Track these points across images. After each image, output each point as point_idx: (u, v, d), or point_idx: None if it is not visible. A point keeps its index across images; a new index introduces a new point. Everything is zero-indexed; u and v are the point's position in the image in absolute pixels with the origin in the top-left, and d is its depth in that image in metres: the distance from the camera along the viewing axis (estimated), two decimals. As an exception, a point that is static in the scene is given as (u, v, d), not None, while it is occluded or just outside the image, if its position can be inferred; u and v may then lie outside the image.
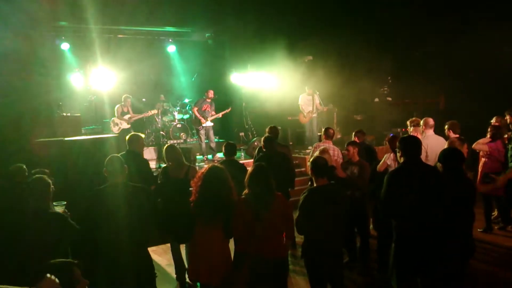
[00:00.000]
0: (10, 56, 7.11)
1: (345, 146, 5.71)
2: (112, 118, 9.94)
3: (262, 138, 6.15)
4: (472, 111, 8.11)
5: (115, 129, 9.65)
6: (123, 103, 9.92)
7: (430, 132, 6.18)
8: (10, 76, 7.11)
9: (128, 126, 9.90)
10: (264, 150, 5.95)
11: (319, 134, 8.00)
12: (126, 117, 9.92)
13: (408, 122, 6.66)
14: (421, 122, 6.34)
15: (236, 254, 3.61)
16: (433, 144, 5.86)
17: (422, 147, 5.49)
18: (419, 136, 6.07)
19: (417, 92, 10.85)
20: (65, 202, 4.36)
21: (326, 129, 6.81)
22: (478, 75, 9.30)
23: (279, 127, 7.54)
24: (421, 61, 10.55)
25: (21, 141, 6.60)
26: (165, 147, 5.34)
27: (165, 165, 5.25)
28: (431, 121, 6.26)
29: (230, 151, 5.60)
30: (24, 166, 4.88)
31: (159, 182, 5.17)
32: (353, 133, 6.70)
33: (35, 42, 7.84)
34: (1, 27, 7.05)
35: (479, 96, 9.00)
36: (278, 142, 6.52)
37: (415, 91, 10.83)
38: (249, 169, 3.68)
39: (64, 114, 8.93)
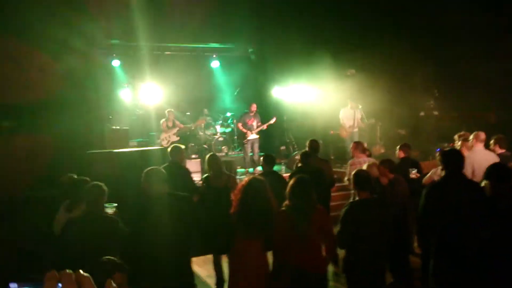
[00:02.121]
0: (67, 75, 7.58)
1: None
2: (161, 134, 10.24)
3: (300, 153, 6.19)
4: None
5: (164, 143, 9.93)
6: (167, 118, 10.22)
7: (480, 146, 5.92)
8: (67, 92, 7.56)
9: (177, 138, 10.16)
10: (300, 164, 5.96)
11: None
12: (174, 130, 10.19)
13: (455, 137, 6.43)
14: (471, 136, 6.11)
15: (275, 267, 3.61)
16: (481, 159, 5.61)
17: (469, 163, 5.31)
18: (467, 151, 5.86)
19: (466, 105, 10.46)
20: (116, 204, 4.53)
21: (356, 143, 6.75)
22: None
23: (320, 141, 7.50)
24: (470, 73, 10.19)
25: (76, 152, 6.98)
26: (207, 156, 5.52)
27: (207, 174, 5.40)
28: (482, 135, 6.00)
29: (269, 162, 5.66)
30: (75, 176, 5.14)
31: (200, 190, 5.33)
32: (398, 147, 6.56)
33: (90, 60, 8.33)
34: (61, 47, 7.52)
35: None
36: (319, 156, 6.49)
37: (463, 104, 10.44)
38: (291, 181, 3.69)
39: (114, 127, 9.36)
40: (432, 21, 9.57)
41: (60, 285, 0.77)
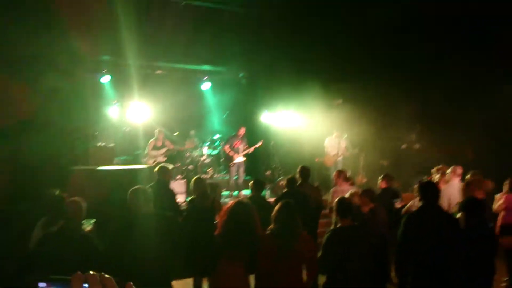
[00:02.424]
0: (53, 94, 7.52)
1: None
2: (147, 151, 10.22)
3: (285, 178, 6.30)
4: (501, 164, 8.00)
5: (151, 162, 9.92)
6: (156, 137, 10.22)
7: (456, 180, 6.17)
8: (51, 112, 7.51)
9: (165, 159, 10.18)
10: (286, 190, 6.08)
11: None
12: (162, 150, 10.20)
13: (433, 170, 6.67)
14: (449, 170, 6.35)
15: (257, 290, 3.67)
16: (456, 192, 5.83)
17: (446, 195, 5.52)
18: (444, 184, 6.08)
19: (446, 141, 10.79)
20: (94, 220, 4.53)
21: (339, 172, 6.92)
22: (509, 130, 9.22)
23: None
24: (451, 111, 10.55)
25: (59, 168, 6.94)
26: (193, 179, 5.60)
27: (192, 197, 5.47)
28: (459, 169, 6.27)
29: (258, 187, 5.76)
30: (58, 191, 5.14)
31: (185, 211, 5.38)
32: (381, 177, 6.73)
33: (76, 78, 8.26)
34: (46, 66, 7.51)
35: (509, 149, 8.89)
36: (309, 183, 6.60)
37: (443, 139, 10.77)
38: (277, 205, 3.79)
39: (99, 144, 9.36)
40: (418, 61, 9.96)
41: (86, 285, 0.85)
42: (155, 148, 10.13)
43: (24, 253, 4.10)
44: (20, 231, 4.60)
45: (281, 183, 9.90)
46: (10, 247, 4.60)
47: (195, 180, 5.57)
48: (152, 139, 10.25)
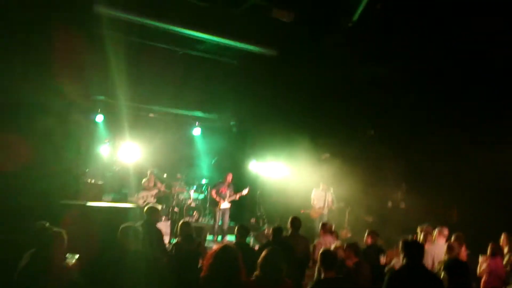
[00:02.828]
0: (46, 135, 7.60)
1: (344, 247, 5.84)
2: (141, 192, 10.24)
3: (271, 228, 6.36)
4: (486, 227, 8.16)
5: (141, 202, 9.93)
6: (148, 178, 10.28)
7: (442, 241, 6.30)
8: (44, 152, 7.58)
9: (154, 200, 10.19)
10: (271, 238, 6.12)
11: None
12: (153, 191, 10.22)
13: (418, 229, 6.80)
14: (435, 231, 6.50)
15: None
16: (441, 253, 5.95)
17: (430, 254, 5.63)
18: (429, 245, 6.21)
19: (431, 201, 10.99)
20: (78, 255, 4.49)
21: (323, 224, 7.02)
22: (494, 192, 9.45)
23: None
24: (436, 171, 10.83)
25: (49, 206, 6.90)
26: (180, 222, 5.67)
27: (177, 239, 5.50)
28: (445, 230, 6.44)
29: (243, 232, 5.81)
30: (48, 224, 5.14)
31: (171, 253, 5.39)
32: (367, 233, 6.82)
33: (68, 119, 8.35)
34: (38, 108, 7.62)
35: (494, 212, 9.08)
36: (299, 233, 6.64)
37: (428, 200, 10.98)
38: (263, 252, 3.85)
39: (88, 181, 9.39)
40: (404, 119, 10.33)
41: None
42: (146, 188, 10.16)
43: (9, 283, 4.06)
44: (6, 260, 4.54)
45: (266, 231, 9.91)
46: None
47: (182, 223, 5.65)
48: (145, 179, 10.29)
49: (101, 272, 3.94)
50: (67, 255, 4.56)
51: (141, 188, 10.22)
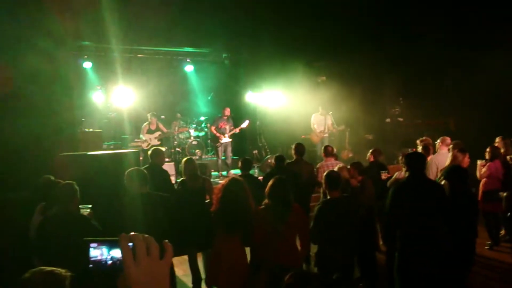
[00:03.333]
0: (35, 77, 7.41)
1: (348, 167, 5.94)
2: (141, 135, 10.21)
3: (273, 156, 6.44)
4: (482, 133, 8.28)
5: (144, 145, 9.93)
6: (149, 121, 10.19)
7: (445, 150, 6.40)
8: (34, 95, 7.42)
9: (159, 142, 10.18)
10: (273, 167, 6.23)
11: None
12: (156, 134, 10.19)
13: (418, 141, 6.88)
14: (438, 140, 6.59)
15: (253, 261, 3.83)
16: (444, 161, 6.04)
17: (434, 163, 5.74)
18: (432, 154, 6.32)
19: (428, 113, 11.06)
20: (91, 206, 4.58)
21: (325, 147, 7.10)
22: (489, 99, 9.49)
23: (292, 146, 7.80)
24: (432, 83, 10.78)
25: (43, 157, 6.88)
26: (183, 160, 5.66)
27: (183, 178, 5.55)
28: (448, 139, 6.53)
29: (246, 165, 5.89)
30: (53, 178, 5.18)
31: (177, 193, 5.46)
32: (370, 151, 6.92)
33: (59, 62, 8.10)
34: (26, 48, 7.38)
35: (489, 119, 9.17)
36: (303, 159, 6.74)
37: (426, 112, 11.04)
38: (270, 181, 3.92)
39: (86, 130, 9.35)
40: (400, 34, 10.08)
41: (131, 244, 0.97)
42: (149, 132, 10.11)
43: (26, 240, 4.16)
44: (18, 218, 4.63)
45: (269, 161, 10.04)
46: (11, 235, 4.65)
47: (186, 161, 5.60)
48: (146, 123, 10.21)
49: (114, 217, 4.04)
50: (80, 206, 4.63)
51: (143, 131, 10.16)
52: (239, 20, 10.97)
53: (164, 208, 4.05)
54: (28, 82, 7.35)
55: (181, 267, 6.27)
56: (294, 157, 6.59)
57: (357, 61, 10.44)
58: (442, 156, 6.24)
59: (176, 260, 6.59)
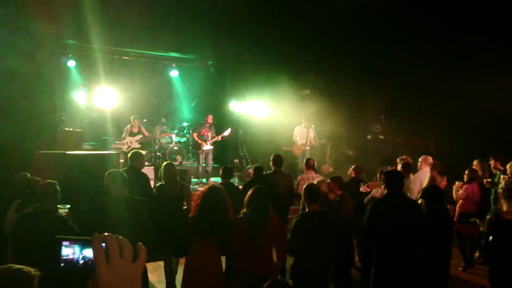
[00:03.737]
0: (15, 76, 7.26)
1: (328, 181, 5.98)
2: (123, 136, 10.07)
3: (253, 167, 6.48)
4: (461, 155, 8.45)
5: (125, 148, 9.80)
6: (132, 124, 10.05)
7: (427, 169, 6.50)
8: (14, 95, 7.27)
9: (139, 146, 10.06)
10: (253, 177, 6.26)
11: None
12: (138, 137, 10.06)
13: (398, 160, 6.98)
14: (420, 159, 6.70)
15: (228, 270, 3.81)
16: (424, 179, 6.13)
17: (419, 181, 5.83)
18: (415, 173, 6.42)
19: (409, 133, 11.27)
20: (69, 206, 4.50)
21: (307, 160, 7.18)
22: (469, 121, 9.71)
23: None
24: (414, 103, 11.00)
25: (24, 156, 6.75)
26: (163, 164, 5.60)
27: (161, 182, 5.49)
28: (430, 159, 6.65)
29: (227, 173, 5.88)
30: (29, 174, 5.07)
31: (155, 198, 5.40)
32: (352, 167, 7.00)
33: (40, 61, 7.97)
34: (5, 47, 7.25)
35: (468, 141, 9.37)
36: (281, 171, 6.77)
37: (406, 131, 11.24)
38: (250, 190, 3.92)
39: (67, 129, 9.20)
40: (384, 53, 10.27)
41: (104, 244, 0.95)
42: (131, 134, 9.97)
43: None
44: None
45: (249, 170, 10.03)
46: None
47: (165, 166, 5.53)
48: (128, 125, 10.07)
49: (91, 218, 3.97)
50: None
51: (124, 133, 10.02)
52: (226, 29, 11.02)
53: (141, 211, 3.99)
54: (9, 81, 7.21)
55: (155, 273, 6.18)
56: (272, 168, 6.62)
57: (341, 77, 10.60)
58: (425, 174, 6.34)
59: (150, 266, 6.51)
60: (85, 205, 4.52)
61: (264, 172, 6.56)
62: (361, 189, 6.21)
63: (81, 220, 4.29)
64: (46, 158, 6.82)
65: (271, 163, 6.64)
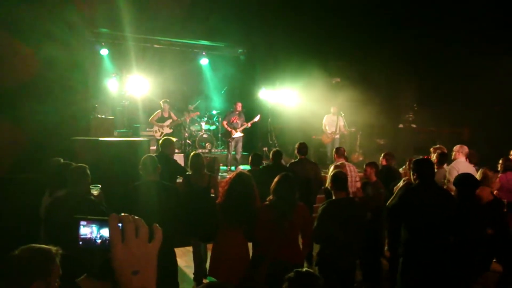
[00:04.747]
0: (51, 65, 7.49)
1: (364, 166, 5.90)
2: (150, 120, 10.19)
3: (271, 151, 6.47)
4: (496, 144, 8.17)
5: (157, 135, 9.94)
6: (162, 108, 10.16)
7: (462, 158, 6.32)
8: (51, 83, 7.52)
9: (170, 130, 10.17)
10: (271, 162, 6.27)
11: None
12: (167, 122, 10.16)
13: (431, 149, 6.80)
14: (455, 148, 6.50)
15: (254, 256, 3.83)
16: (463, 169, 5.93)
17: (456, 171, 5.66)
18: (451, 163, 6.24)
19: (442, 121, 10.94)
20: (100, 185, 4.59)
21: (337, 149, 7.09)
22: (505, 110, 9.37)
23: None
24: (448, 91, 10.67)
25: (60, 139, 6.98)
26: (191, 154, 5.63)
27: (188, 173, 5.51)
28: (466, 148, 6.45)
29: (256, 161, 5.90)
30: (62, 160, 5.23)
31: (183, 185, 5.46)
32: (382, 155, 6.86)
33: (75, 50, 8.21)
34: (42, 36, 7.46)
35: (504, 129, 9.05)
36: (307, 158, 6.73)
37: (440, 120, 10.92)
38: (276, 177, 3.92)
39: (99, 116, 9.43)
40: (417, 40, 9.98)
41: (120, 224, 0.97)
42: (160, 119, 10.08)
43: (34, 220, 4.22)
44: (29, 198, 4.70)
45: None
46: (21, 214, 4.72)
47: (193, 156, 5.54)
48: (158, 110, 10.18)
49: (122, 202, 4.08)
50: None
51: (152, 119, 10.13)
52: (256, 16, 10.97)
53: (171, 197, 4.07)
54: (46, 69, 7.45)
55: (184, 258, 6.32)
56: (298, 156, 6.58)
57: (374, 65, 10.36)
58: (462, 164, 6.16)
59: (179, 251, 6.64)
60: (117, 189, 4.65)
61: (282, 157, 6.54)
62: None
63: (113, 204, 4.42)
64: (81, 144, 7.01)
65: (295, 152, 6.61)
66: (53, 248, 2.06)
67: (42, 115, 7.27)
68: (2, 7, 7.08)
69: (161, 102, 10.22)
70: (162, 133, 9.97)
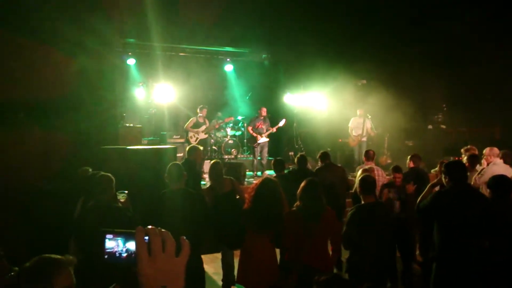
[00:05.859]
0: (81, 74, 7.70)
1: (391, 171, 5.78)
2: (185, 127, 10.31)
3: (296, 157, 6.48)
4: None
5: (193, 140, 10.04)
6: (199, 114, 10.25)
7: (498, 160, 6.09)
8: (81, 92, 7.73)
9: (205, 136, 10.24)
10: (296, 166, 6.32)
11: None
12: (202, 127, 10.25)
13: (462, 150, 6.60)
14: (485, 152, 6.27)
15: (283, 263, 3.80)
16: (502, 171, 5.73)
17: (491, 173, 5.46)
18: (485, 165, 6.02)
19: (473, 121, 10.64)
20: (127, 191, 4.62)
21: (366, 152, 7.03)
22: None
23: (329, 149, 7.75)
24: (478, 90, 10.37)
25: (90, 148, 7.15)
26: (210, 164, 5.49)
27: (210, 184, 5.46)
28: (496, 150, 6.20)
29: (279, 166, 5.90)
30: (90, 169, 5.34)
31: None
32: (409, 157, 6.72)
33: (104, 60, 8.43)
34: (74, 46, 7.68)
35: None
36: (332, 163, 6.76)
37: (470, 119, 10.62)
38: (302, 183, 3.88)
39: (127, 124, 9.61)
40: (444, 40, 9.77)
41: (146, 237, 0.95)
42: (196, 125, 10.17)
43: (64, 229, 4.31)
44: (59, 207, 4.81)
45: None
46: (50, 223, 4.84)
47: (212, 164, 5.43)
48: (193, 117, 10.29)
49: (149, 209, 4.13)
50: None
51: (190, 126, 10.21)
52: (280, 21, 10.97)
53: (198, 205, 4.09)
54: (78, 79, 7.67)
55: (212, 265, 6.32)
56: (320, 164, 6.62)
57: (401, 65, 10.19)
58: (500, 166, 5.93)
59: (207, 258, 6.66)
60: (143, 196, 4.70)
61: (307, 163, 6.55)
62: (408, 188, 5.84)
63: (140, 211, 4.48)
64: (109, 153, 7.15)
65: (319, 162, 6.61)
66: (65, 257, 2.06)
67: (74, 124, 7.47)
68: (39, 20, 7.33)
69: (198, 109, 10.35)
70: (197, 138, 10.08)
